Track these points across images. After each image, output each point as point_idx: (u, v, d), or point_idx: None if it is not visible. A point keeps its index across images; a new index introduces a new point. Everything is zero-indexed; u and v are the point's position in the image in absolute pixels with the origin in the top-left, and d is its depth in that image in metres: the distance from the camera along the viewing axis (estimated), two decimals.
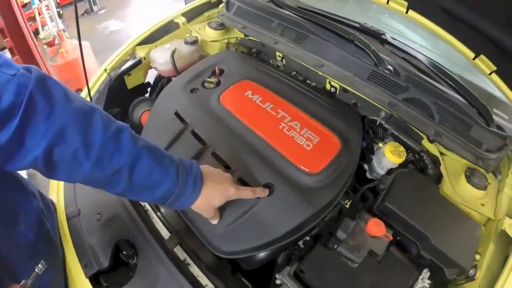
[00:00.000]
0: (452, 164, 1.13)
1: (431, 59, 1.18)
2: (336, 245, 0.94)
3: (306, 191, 0.94)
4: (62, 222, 1.06)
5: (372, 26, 1.21)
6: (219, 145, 1.03)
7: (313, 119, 1.09)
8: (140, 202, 1.07)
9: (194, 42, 1.46)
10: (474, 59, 1.06)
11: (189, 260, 0.95)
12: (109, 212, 1.03)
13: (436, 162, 1.13)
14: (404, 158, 1.06)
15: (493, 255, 0.98)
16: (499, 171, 1.13)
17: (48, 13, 3.84)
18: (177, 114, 1.13)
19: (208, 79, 1.25)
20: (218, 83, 1.23)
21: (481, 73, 1.28)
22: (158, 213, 1.06)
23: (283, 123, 1.07)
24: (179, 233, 1.02)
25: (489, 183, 1.08)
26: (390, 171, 1.11)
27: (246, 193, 0.87)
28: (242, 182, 0.96)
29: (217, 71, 1.29)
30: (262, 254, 0.97)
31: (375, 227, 0.92)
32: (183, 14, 1.65)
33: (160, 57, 1.44)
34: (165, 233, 1.00)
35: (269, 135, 1.04)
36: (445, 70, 1.17)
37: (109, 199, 1.04)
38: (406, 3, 1.06)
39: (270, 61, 1.48)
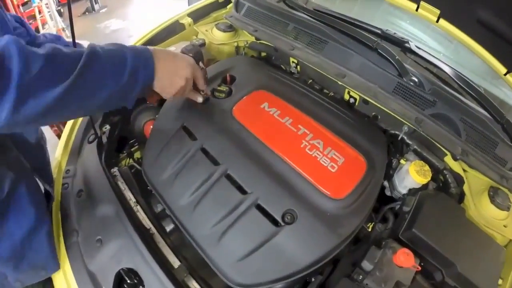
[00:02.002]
0: (474, 182, 1.03)
1: (456, 70, 1.03)
2: (361, 277, 0.81)
3: (331, 219, 0.80)
4: (60, 244, 0.91)
5: (395, 33, 1.05)
6: (233, 166, 0.87)
7: (336, 136, 0.94)
8: (144, 225, 0.91)
9: (202, 45, 1.27)
10: (505, 74, 0.93)
11: None
12: (110, 237, 0.87)
13: (459, 180, 1.01)
14: (429, 179, 0.93)
15: None
16: None
17: (48, 12, 3.54)
18: (184, 128, 0.96)
19: (218, 88, 1.07)
20: (229, 93, 1.06)
21: (502, 85, 1.16)
22: (166, 238, 0.90)
23: (305, 141, 0.91)
24: (189, 260, 0.87)
25: (511, 203, 0.97)
26: (411, 190, 0.98)
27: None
28: (261, 209, 0.81)
29: (228, 78, 1.11)
30: (278, 286, 0.83)
31: (404, 258, 0.80)
32: (189, 15, 1.45)
33: None
34: (173, 261, 0.86)
35: (289, 154, 0.88)
36: (471, 82, 1.04)
37: (109, 222, 0.89)
38: (438, 12, 0.90)
39: (282, 66, 1.31)
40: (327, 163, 0.87)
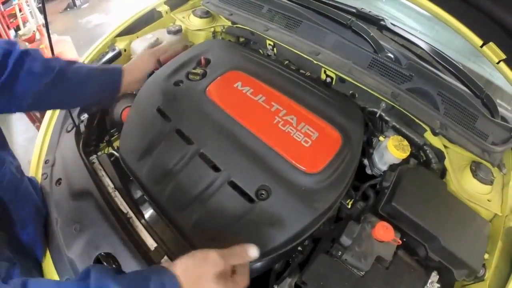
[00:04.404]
0: (456, 158, 1.03)
1: (433, 46, 1.05)
2: (340, 253, 0.81)
3: (306, 193, 0.80)
4: None
5: (370, 12, 1.07)
6: (206, 144, 0.88)
7: (310, 112, 0.94)
8: (122, 210, 0.91)
9: (178, 31, 1.29)
10: (482, 46, 0.94)
11: None
12: (88, 223, 0.87)
13: (440, 156, 1.02)
14: (408, 153, 0.94)
15: (501, 254, 0.90)
16: (503, 164, 1.03)
17: (29, 9, 3.55)
18: (159, 110, 0.97)
19: (193, 70, 1.08)
20: (204, 75, 1.06)
21: (484, 63, 1.17)
22: (143, 221, 0.91)
23: (278, 117, 0.92)
24: (166, 242, 0.87)
25: (494, 177, 0.98)
26: (392, 167, 0.99)
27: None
28: (234, 185, 0.81)
29: (202, 61, 1.12)
30: (257, 264, 0.83)
31: (383, 232, 0.80)
32: (166, 2, 1.47)
33: (141, 48, 1.26)
34: (150, 243, 0.86)
35: (262, 131, 0.89)
36: (448, 58, 1.05)
37: (87, 208, 0.89)
38: None
39: (260, 50, 1.32)
40: (300, 138, 0.87)
